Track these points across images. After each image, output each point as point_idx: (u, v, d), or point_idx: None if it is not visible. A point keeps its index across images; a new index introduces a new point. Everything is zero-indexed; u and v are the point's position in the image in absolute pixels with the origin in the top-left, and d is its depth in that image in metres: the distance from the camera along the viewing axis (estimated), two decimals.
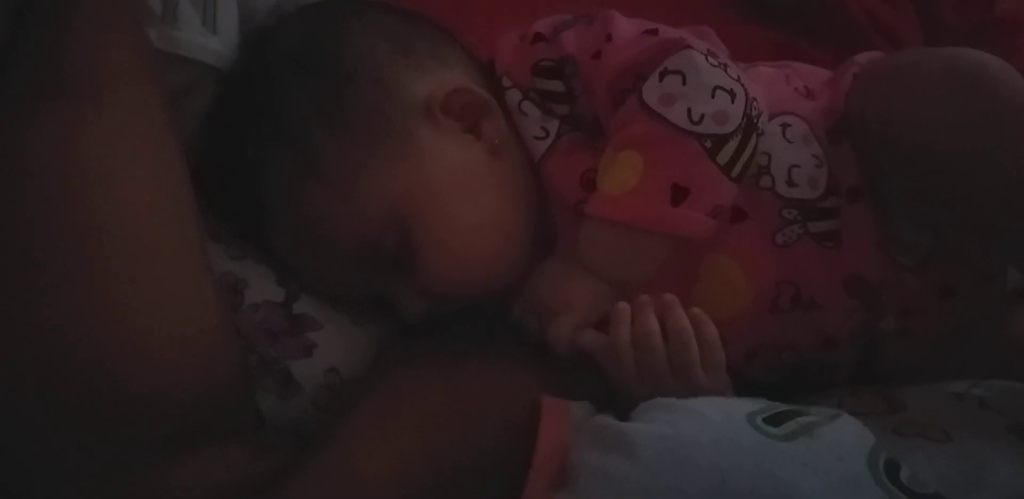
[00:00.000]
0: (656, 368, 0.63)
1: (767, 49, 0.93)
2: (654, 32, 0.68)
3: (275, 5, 0.74)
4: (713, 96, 0.64)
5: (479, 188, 0.68)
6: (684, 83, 0.64)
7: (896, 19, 0.95)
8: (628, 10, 0.77)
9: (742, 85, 0.66)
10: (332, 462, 0.58)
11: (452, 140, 0.68)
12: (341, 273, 0.68)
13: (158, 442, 0.58)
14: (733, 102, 0.65)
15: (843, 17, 0.95)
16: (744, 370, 0.71)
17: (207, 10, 0.70)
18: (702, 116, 0.64)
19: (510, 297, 0.70)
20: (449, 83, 0.69)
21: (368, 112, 0.67)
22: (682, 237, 0.65)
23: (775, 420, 0.54)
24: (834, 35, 0.96)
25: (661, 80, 0.65)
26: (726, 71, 0.66)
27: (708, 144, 0.64)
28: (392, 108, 0.67)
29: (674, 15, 0.86)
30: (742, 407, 0.56)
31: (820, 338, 0.70)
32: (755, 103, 0.66)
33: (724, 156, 0.64)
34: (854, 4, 0.95)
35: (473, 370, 0.64)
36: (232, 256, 0.68)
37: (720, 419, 0.54)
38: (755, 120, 0.66)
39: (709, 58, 0.66)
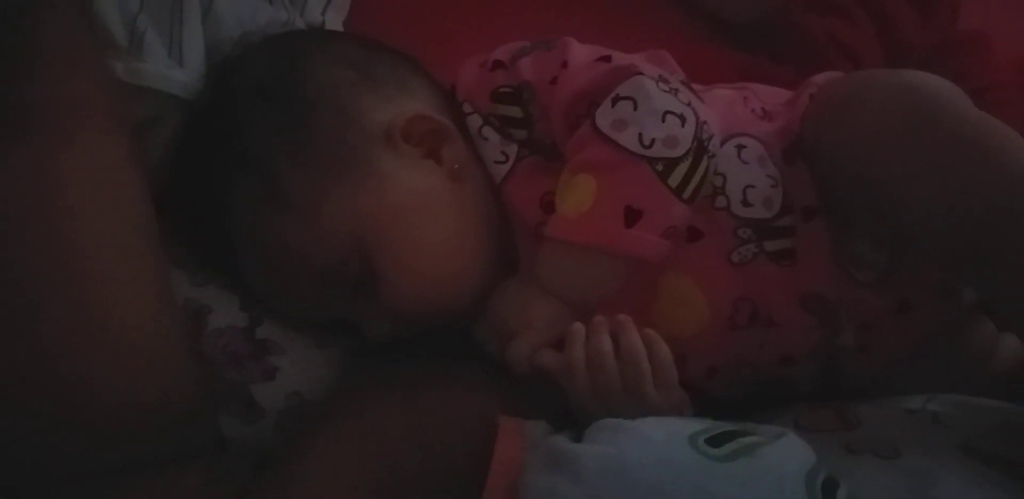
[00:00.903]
0: (609, 387, 0.64)
1: (731, 70, 0.94)
2: (607, 59, 0.69)
3: (241, 36, 0.76)
4: (663, 121, 0.66)
5: (440, 212, 0.70)
6: (635, 109, 0.66)
7: (856, 39, 0.96)
8: (594, 34, 0.79)
9: (692, 109, 0.67)
10: (291, 486, 0.60)
11: (413, 166, 0.70)
12: (306, 297, 0.69)
13: (115, 466, 0.59)
14: (683, 126, 0.66)
15: (804, 38, 0.97)
16: (706, 387, 0.73)
17: (173, 42, 0.71)
18: (653, 140, 0.65)
19: (474, 319, 0.71)
20: (409, 110, 0.70)
21: (330, 140, 0.68)
22: (636, 258, 0.66)
23: (717, 441, 0.56)
24: (796, 55, 0.97)
25: (613, 106, 0.66)
26: (676, 96, 0.67)
27: (659, 167, 0.65)
28: (353, 136, 0.69)
29: (639, 38, 0.88)
30: (686, 428, 0.57)
31: (779, 354, 0.72)
32: (705, 126, 0.67)
33: (675, 179, 0.66)
34: (815, 25, 0.97)
35: (434, 391, 0.66)
36: (196, 283, 0.69)
37: (663, 440, 0.55)
38: (705, 143, 0.67)
39: (660, 84, 0.67)
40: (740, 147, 0.71)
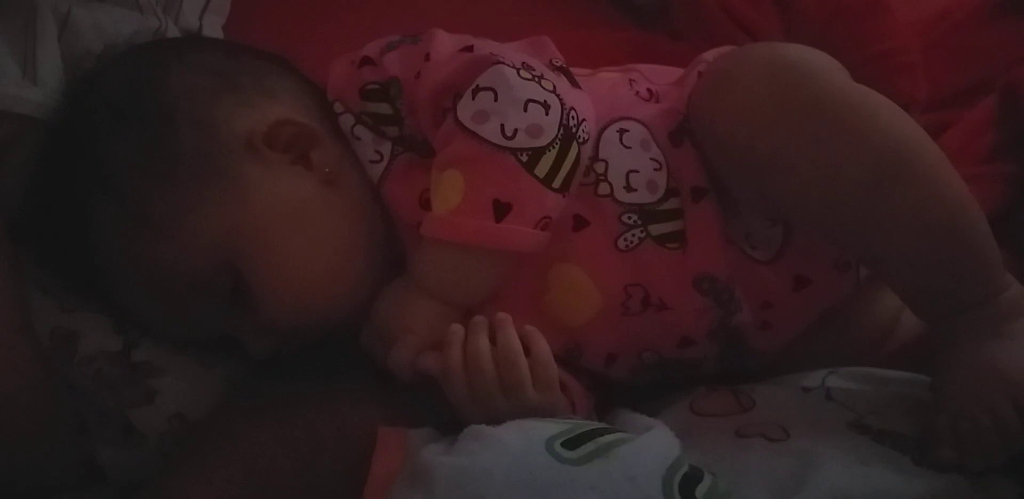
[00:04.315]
0: (488, 389, 0.63)
1: (628, 51, 0.93)
2: (470, 49, 0.68)
3: (104, 49, 0.73)
4: (526, 110, 0.64)
5: (311, 219, 0.68)
6: (496, 99, 0.64)
7: (753, 11, 0.95)
8: (492, 21, 0.77)
9: (557, 96, 0.65)
10: None
11: (280, 174, 0.68)
12: (181, 316, 0.68)
13: None
14: (547, 114, 0.64)
15: (700, 13, 0.95)
16: (608, 374, 0.72)
17: (27, 61, 0.69)
18: (515, 131, 0.64)
19: (361, 325, 0.70)
20: (271, 116, 0.68)
21: (188, 153, 0.66)
22: (511, 251, 0.65)
23: (574, 442, 0.54)
24: (697, 33, 0.96)
25: (474, 97, 0.64)
26: (540, 83, 0.66)
27: (524, 158, 0.64)
28: (212, 147, 0.67)
29: (535, 23, 0.86)
30: (545, 431, 0.56)
31: (677, 337, 0.70)
32: (572, 113, 0.66)
33: (543, 168, 0.64)
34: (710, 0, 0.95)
35: (311, 406, 0.64)
36: (65, 309, 0.67)
37: (518, 447, 0.54)
38: (573, 130, 0.65)
39: (521, 72, 0.65)
40: (622, 131, 0.70)
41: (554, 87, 0.66)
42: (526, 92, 0.65)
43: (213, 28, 0.83)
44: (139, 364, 0.67)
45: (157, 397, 0.66)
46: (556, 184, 0.65)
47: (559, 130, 0.65)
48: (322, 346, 0.69)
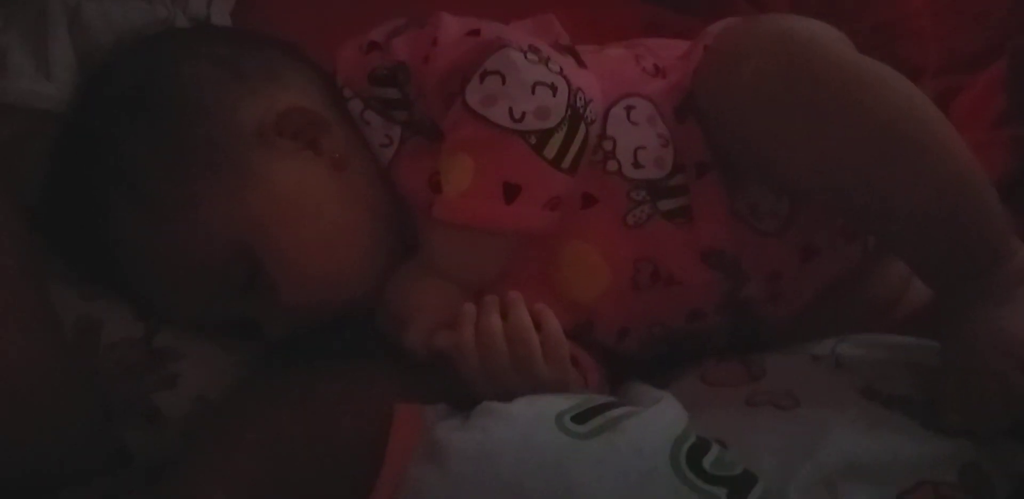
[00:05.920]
0: (500, 365, 0.64)
1: (637, 26, 0.93)
2: (476, 33, 0.68)
3: (115, 40, 0.75)
4: (533, 92, 0.65)
5: (323, 205, 0.69)
6: (504, 82, 0.65)
7: None
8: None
9: (564, 77, 0.66)
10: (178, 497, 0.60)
11: (290, 160, 0.69)
12: (199, 302, 0.69)
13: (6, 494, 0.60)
14: (555, 96, 0.65)
15: None
16: (619, 348, 0.73)
17: (40, 55, 0.70)
18: (523, 113, 0.64)
19: (375, 306, 0.71)
20: (280, 104, 0.69)
21: (199, 143, 0.67)
22: (521, 233, 0.66)
23: (583, 417, 0.55)
24: (702, 5, 0.95)
25: (482, 81, 0.65)
26: (547, 65, 0.66)
27: (533, 140, 0.65)
28: (222, 136, 0.68)
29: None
30: (555, 406, 0.57)
31: (686, 311, 0.71)
32: (580, 93, 0.66)
33: (551, 150, 0.65)
34: None
35: (329, 387, 0.65)
36: (86, 297, 0.69)
37: (529, 422, 0.55)
38: (581, 110, 0.66)
39: (528, 54, 0.66)
40: (629, 108, 0.71)
41: (561, 69, 0.67)
42: (533, 75, 0.65)
43: (221, 15, 0.84)
44: (161, 349, 0.68)
45: (179, 381, 0.68)
46: (565, 165, 0.66)
47: (567, 111, 0.65)
48: (338, 328, 0.71)
